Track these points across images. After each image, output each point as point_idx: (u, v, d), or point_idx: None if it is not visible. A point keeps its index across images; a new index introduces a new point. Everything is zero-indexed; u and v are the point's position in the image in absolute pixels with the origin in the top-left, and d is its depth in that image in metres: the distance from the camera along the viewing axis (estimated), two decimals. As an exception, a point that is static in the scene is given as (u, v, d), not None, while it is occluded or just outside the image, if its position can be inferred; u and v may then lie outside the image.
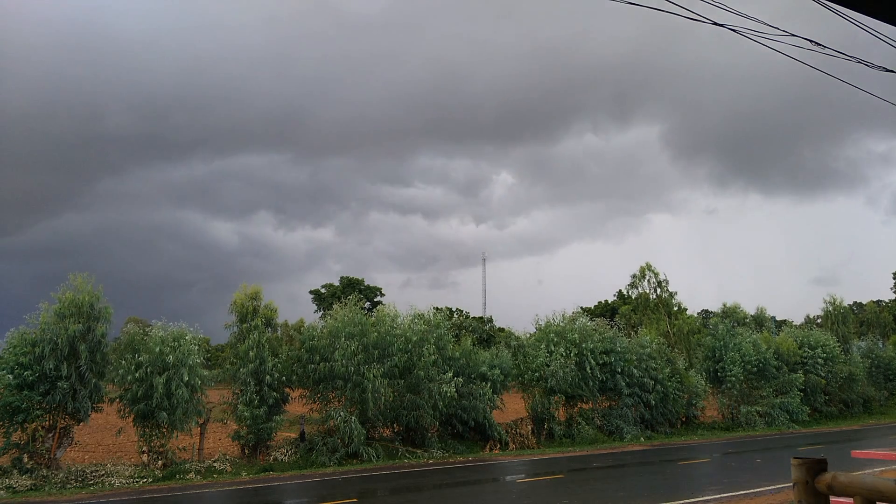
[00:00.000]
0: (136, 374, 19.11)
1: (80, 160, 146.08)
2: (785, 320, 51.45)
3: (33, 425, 18.39)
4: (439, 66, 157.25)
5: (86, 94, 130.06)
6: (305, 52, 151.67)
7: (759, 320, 40.44)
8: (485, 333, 60.81)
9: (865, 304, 68.58)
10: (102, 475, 18.17)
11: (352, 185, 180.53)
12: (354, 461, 20.96)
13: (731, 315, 37.53)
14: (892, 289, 73.19)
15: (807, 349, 35.59)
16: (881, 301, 70.98)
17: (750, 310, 40.45)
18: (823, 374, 34.96)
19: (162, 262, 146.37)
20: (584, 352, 27.31)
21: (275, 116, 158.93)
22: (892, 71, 6.29)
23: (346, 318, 22.84)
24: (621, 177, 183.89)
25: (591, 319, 30.85)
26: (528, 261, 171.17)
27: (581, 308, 38.31)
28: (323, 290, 72.58)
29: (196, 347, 20.53)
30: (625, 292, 52.53)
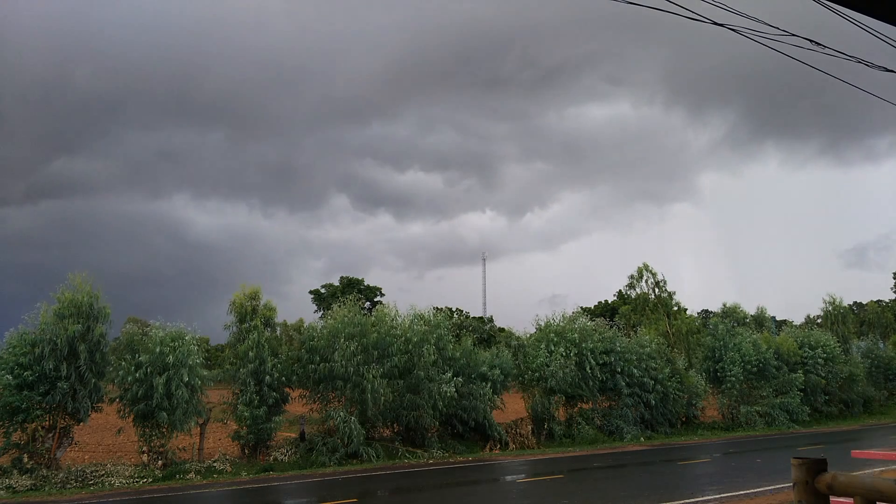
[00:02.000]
0: (136, 375, 19.11)
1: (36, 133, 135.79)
2: (785, 320, 51.48)
3: (33, 425, 18.39)
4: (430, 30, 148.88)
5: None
6: (283, 20, 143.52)
7: (760, 320, 40.43)
8: (485, 333, 60.81)
9: (866, 304, 68.59)
10: (102, 475, 18.16)
11: (332, 166, 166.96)
12: (354, 461, 20.95)
13: (731, 315, 37.51)
14: (892, 289, 73.26)
15: (807, 349, 35.56)
16: (881, 301, 70.99)
17: (751, 309, 40.49)
18: (823, 374, 34.93)
19: (128, 252, 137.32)
20: (584, 352, 27.30)
21: (249, 87, 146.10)
22: (892, 71, 6.29)
23: (345, 318, 22.83)
24: (632, 150, 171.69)
25: (590, 319, 30.84)
26: (530, 256, 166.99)
27: (581, 308, 38.34)
28: (323, 290, 72.66)
29: (196, 347, 20.53)
30: (624, 292, 52.56)
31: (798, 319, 59.86)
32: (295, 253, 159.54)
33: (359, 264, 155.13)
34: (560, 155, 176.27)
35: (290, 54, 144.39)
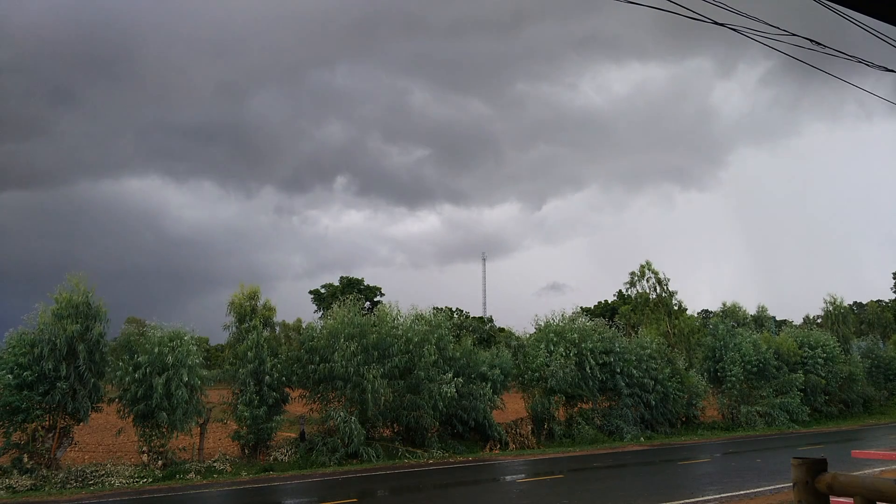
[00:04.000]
0: (136, 375, 19.10)
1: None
2: (785, 320, 51.49)
3: (33, 425, 18.39)
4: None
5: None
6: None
7: (760, 320, 40.43)
8: (485, 333, 60.79)
9: (866, 304, 68.60)
10: (102, 475, 18.16)
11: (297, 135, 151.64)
12: (354, 461, 20.95)
13: (731, 315, 37.52)
14: (892, 289, 73.26)
15: (807, 349, 35.57)
16: (881, 301, 70.99)
17: (751, 309, 40.50)
18: (823, 374, 34.93)
19: (88, 243, 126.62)
20: (584, 352, 27.29)
21: (208, 37, 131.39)
22: (892, 71, 6.29)
23: (344, 318, 22.83)
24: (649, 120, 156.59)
25: (590, 319, 30.84)
26: (531, 250, 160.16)
27: (581, 308, 38.33)
28: (323, 290, 72.68)
29: (195, 348, 20.53)
30: (624, 292, 52.55)
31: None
32: (276, 245, 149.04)
33: (347, 258, 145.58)
34: (564, 133, 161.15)
35: (241, 8, 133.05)
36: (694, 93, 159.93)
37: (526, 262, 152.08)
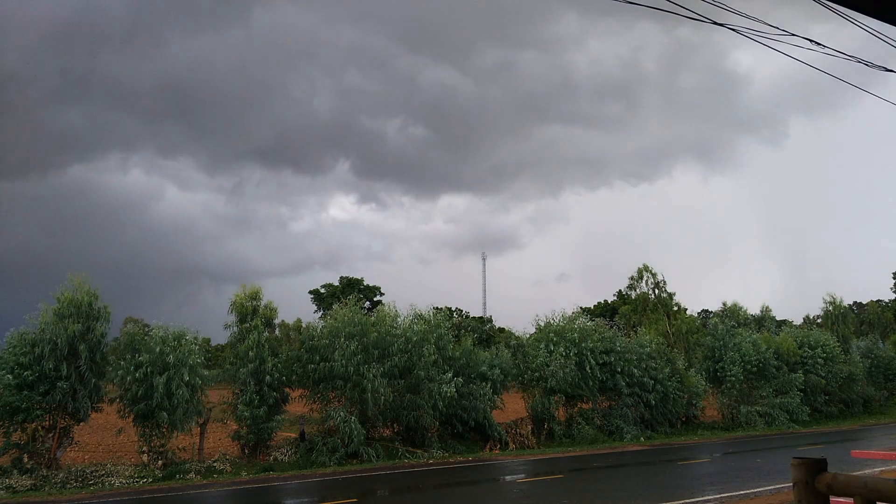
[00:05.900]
0: (136, 375, 19.10)
1: None
2: (785, 320, 51.48)
3: (33, 425, 18.38)
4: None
5: None
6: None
7: (762, 320, 40.45)
8: (484, 333, 60.80)
9: (866, 304, 68.62)
10: (102, 475, 18.17)
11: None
12: (354, 461, 20.96)
13: (731, 315, 37.54)
14: (892, 289, 73.24)
15: (807, 349, 35.57)
16: (881, 301, 70.98)
17: (752, 309, 40.53)
18: (823, 374, 34.94)
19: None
20: (584, 352, 27.29)
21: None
22: (892, 71, 6.29)
23: (345, 318, 22.84)
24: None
25: (590, 319, 30.85)
26: (531, 244, 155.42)
27: (580, 308, 38.34)
28: (322, 291, 72.76)
29: (196, 347, 20.54)
30: (624, 293, 52.59)
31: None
32: (259, 238, 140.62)
33: (333, 252, 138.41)
34: (568, 112, 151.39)
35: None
36: (705, 60, 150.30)
37: (528, 256, 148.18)
